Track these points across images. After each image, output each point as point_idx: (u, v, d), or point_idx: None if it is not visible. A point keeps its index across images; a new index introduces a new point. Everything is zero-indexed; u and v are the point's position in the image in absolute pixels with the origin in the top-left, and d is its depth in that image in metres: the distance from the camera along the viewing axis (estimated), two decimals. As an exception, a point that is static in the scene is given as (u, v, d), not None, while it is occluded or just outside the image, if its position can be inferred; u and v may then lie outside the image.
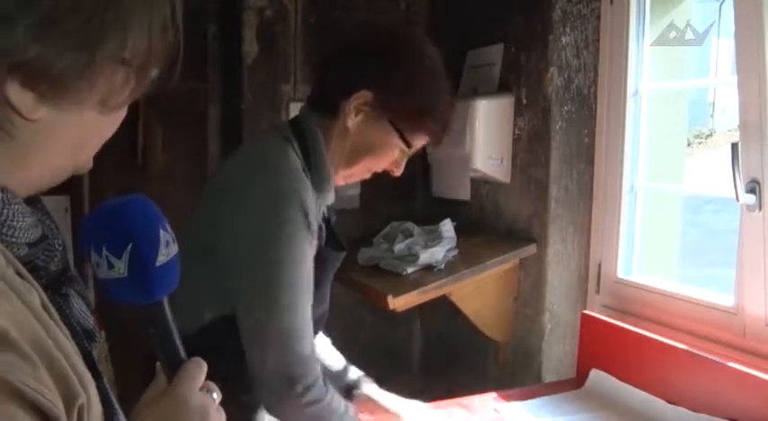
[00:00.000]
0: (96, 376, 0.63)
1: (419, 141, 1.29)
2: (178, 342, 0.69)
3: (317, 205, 1.22)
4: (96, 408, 0.59)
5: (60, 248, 0.65)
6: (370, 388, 1.43)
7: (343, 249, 1.36)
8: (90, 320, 0.69)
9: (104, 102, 0.60)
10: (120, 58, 0.59)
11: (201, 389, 0.68)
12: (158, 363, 0.69)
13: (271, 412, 1.22)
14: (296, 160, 1.21)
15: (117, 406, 0.65)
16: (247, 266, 1.17)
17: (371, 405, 1.41)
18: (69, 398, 0.54)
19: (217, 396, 0.69)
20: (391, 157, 1.30)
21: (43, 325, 0.55)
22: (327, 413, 1.20)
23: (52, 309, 0.59)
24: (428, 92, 1.25)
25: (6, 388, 0.48)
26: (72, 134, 0.60)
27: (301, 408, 1.17)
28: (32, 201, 0.63)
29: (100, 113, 0.61)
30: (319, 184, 1.23)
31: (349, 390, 1.43)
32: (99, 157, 0.66)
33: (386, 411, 1.39)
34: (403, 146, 1.27)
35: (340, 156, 1.28)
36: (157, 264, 0.64)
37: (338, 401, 1.23)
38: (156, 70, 0.63)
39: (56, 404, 0.51)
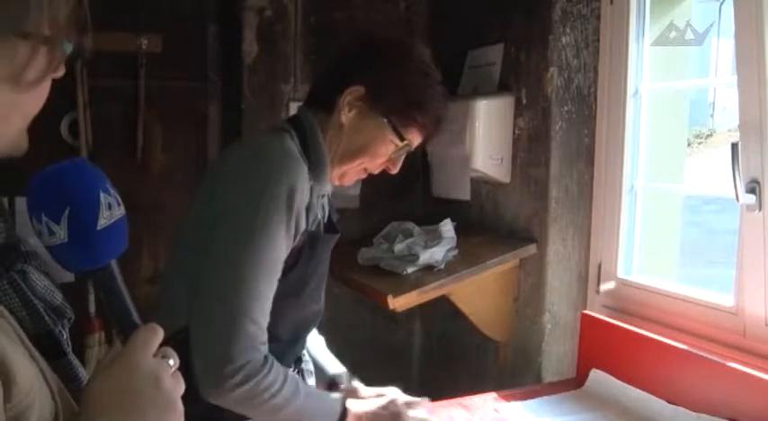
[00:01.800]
0: (59, 353, 0.64)
1: (413, 136, 1.31)
2: (131, 307, 0.67)
3: (312, 192, 1.22)
4: (24, 381, 0.58)
5: (3, 224, 0.64)
6: (353, 383, 1.43)
7: (336, 231, 1.36)
8: (57, 296, 0.68)
9: (15, 78, 0.58)
10: (20, 32, 0.57)
11: (156, 354, 0.65)
12: (114, 330, 0.67)
13: (203, 394, 1.13)
14: (292, 146, 1.23)
15: (85, 380, 0.65)
16: (216, 237, 1.15)
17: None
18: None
19: (173, 362, 0.67)
20: (385, 154, 1.31)
21: None
22: (258, 394, 1.13)
23: None
24: (418, 86, 1.28)
25: None
26: None
27: (230, 390, 1.11)
28: None
29: (14, 91, 0.59)
30: (317, 171, 1.24)
31: (332, 386, 1.43)
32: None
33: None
34: (397, 140, 1.28)
35: (335, 153, 1.29)
36: (98, 227, 0.62)
37: (282, 387, 1.16)
38: (69, 44, 0.61)
39: None
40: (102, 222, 0.62)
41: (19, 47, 0.58)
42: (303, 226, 1.21)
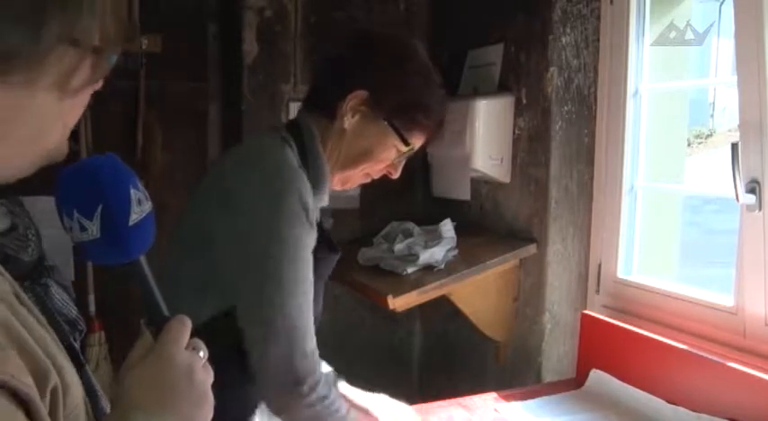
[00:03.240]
0: (79, 365, 0.63)
1: (416, 139, 1.30)
2: (160, 299, 0.68)
3: (314, 204, 1.22)
4: (76, 392, 0.59)
5: (34, 238, 0.64)
6: (339, 385, 1.44)
7: (337, 251, 1.36)
8: (72, 310, 0.69)
9: (60, 85, 0.59)
10: (70, 39, 0.57)
11: (187, 347, 0.66)
12: (142, 321, 0.68)
13: (274, 411, 1.21)
14: (293, 158, 1.22)
15: (101, 392, 0.65)
16: (247, 262, 1.16)
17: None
18: (41, 380, 0.54)
19: (203, 354, 0.67)
20: (388, 159, 1.30)
21: (14, 312, 0.55)
22: (329, 413, 1.20)
23: (24, 297, 0.59)
24: (419, 88, 1.27)
25: None
26: (29, 120, 0.59)
27: (305, 408, 1.16)
28: (2, 193, 0.63)
29: (58, 99, 0.59)
30: (316, 185, 1.23)
31: None
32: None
33: (355, 406, 1.39)
34: (400, 144, 1.28)
35: (337, 159, 1.28)
36: (130, 223, 0.63)
37: (340, 403, 1.23)
38: (115, 56, 0.61)
39: (28, 385, 0.52)
40: (134, 218, 0.63)
41: (68, 53, 0.58)
42: (315, 241, 1.22)
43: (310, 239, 1.18)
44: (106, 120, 2.23)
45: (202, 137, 2.40)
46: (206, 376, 0.66)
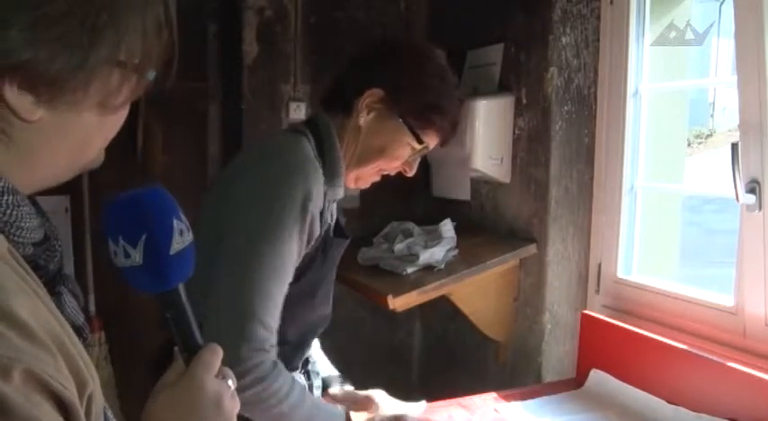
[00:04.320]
0: None
1: (430, 139, 1.31)
2: (195, 327, 0.70)
3: (325, 198, 1.22)
4: (99, 397, 0.60)
5: (60, 249, 0.66)
6: (345, 387, 1.43)
7: (347, 237, 1.37)
8: (80, 317, 0.70)
9: (103, 103, 0.61)
10: (116, 61, 0.59)
11: (217, 375, 0.68)
12: (176, 348, 0.70)
13: None
14: (309, 150, 1.23)
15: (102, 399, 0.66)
16: (231, 242, 1.15)
17: (346, 401, 1.40)
18: (81, 387, 0.55)
19: (232, 383, 0.70)
20: (402, 157, 1.31)
21: (56, 318, 0.57)
22: (269, 396, 1.13)
23: (53, 305, 0.60)
24: (436, 89, 1.29)
25: (32, 378, 0.49)
26: (73, 136, 0.61)
27: (239, 392, 1.12)
28: (34, 202, 0.64)
29: (100, 115, 0.61)
30: (331, 176, 1.25)
31: (323, 388, 1.43)
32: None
33: (356, 397, 1.38)
34: (414, 143, 1.29)
35: (351, 156, 1.30)
36: (171, 252, 0.65)
37: (285, 386, 1.16)
38: (154, 72, 0.64)
39: (72, 392, 0.53)
40: (175, 248, 0.66)
41: (113, 74, 0.60)
42: (317, 231, 1.21)
43: (300, 229, 1.16)
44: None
45: (202, 137, 2.40)
46: (233, 405, 0.69)
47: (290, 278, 1.17)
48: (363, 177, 1.34)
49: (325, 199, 1.23)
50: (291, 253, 1.16)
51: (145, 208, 0.66)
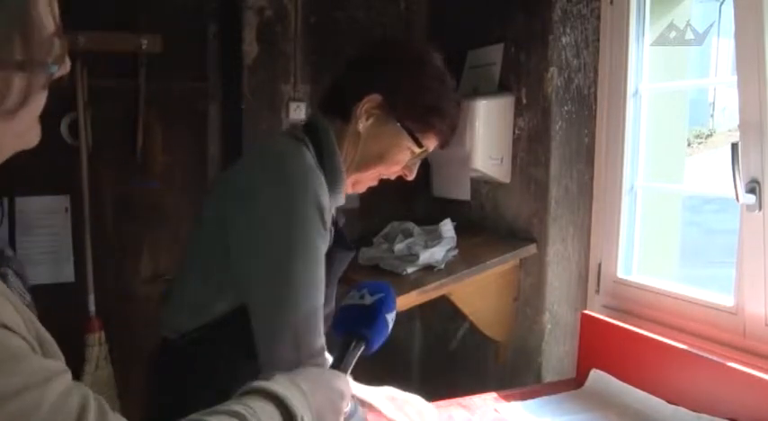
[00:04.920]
0: None
1: (429, 142, 1.31)
2: (352, 365, 1.03)
3: (330, 204, 1.22)
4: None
5: None
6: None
7: (352, 249, 1.37)
8: (27, 296, 0.70)
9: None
10: None
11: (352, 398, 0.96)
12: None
13: None
14: (311, 159, 1.22)
15: None
16: (261, 262, 1.15)
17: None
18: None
19: (348, 408, 0.95)
20: (401, 162, 1.31)
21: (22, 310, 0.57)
22: None
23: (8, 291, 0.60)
24: (434, 92, 1.28)
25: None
26: None
27: None
28: None
29: (2, 121, 0.57)
30: (332, 184, 1.24)
31: None
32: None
33: (361, 402, 1.39)
34: (414, 147, 1.28)
35: (351, 161, 1.29)
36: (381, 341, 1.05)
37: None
38: (54, 65, 0.59)
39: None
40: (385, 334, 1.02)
41: None
42: (329, 242, 1.22)
43: (323, 241, 1.18)
44: (106, 120, 2.23)
45: (202, 137, 2.40)
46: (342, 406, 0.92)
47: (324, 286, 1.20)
48: (362, 182, 1.34)
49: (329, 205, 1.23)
50: (322, 264, 1.18)
51: (374, 313, 1.05)
